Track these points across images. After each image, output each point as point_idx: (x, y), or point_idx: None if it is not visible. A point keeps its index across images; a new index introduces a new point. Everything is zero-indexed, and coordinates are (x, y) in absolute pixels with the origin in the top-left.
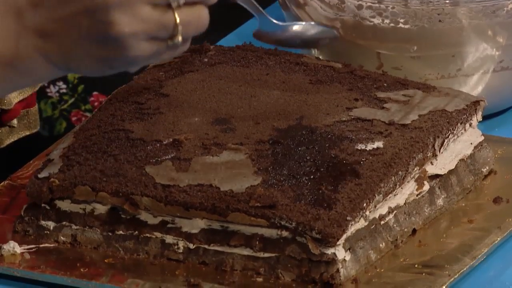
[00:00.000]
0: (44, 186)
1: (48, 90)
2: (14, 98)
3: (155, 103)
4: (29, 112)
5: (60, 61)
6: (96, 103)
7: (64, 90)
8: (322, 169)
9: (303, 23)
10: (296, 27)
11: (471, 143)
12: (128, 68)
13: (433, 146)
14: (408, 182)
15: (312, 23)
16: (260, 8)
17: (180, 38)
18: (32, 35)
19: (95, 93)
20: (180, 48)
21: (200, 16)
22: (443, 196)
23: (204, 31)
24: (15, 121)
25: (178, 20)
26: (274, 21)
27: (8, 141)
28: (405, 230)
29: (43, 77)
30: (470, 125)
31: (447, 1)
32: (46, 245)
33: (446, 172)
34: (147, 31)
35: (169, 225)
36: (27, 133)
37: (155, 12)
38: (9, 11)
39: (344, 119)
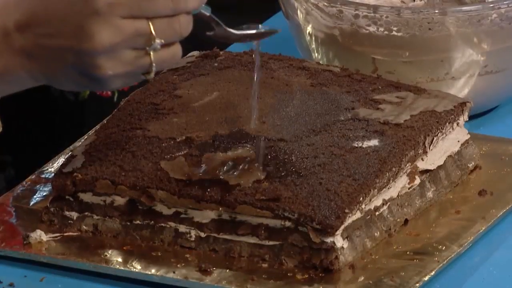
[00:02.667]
0: (68, 180)
1: None
2: None
3: (169, 104)
4: None
5: (43, 79)
6: None
7: None
8: (322, 165)
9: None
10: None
11: (458, 141)
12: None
13: (424, 143)
14: (400, 176)
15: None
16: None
17: (152, 75)
18: (18, 54)
19: None
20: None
21: (174, 55)
22: (432, 189)
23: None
24: None
25: (153, 62)
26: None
27: None
28: (398, 220)
29: (26, 87)
30: (458, 124)
31: (436, 11)
32: (70, 233)
33: (435, 167)
34: (127, 72)
35: (182, 216)
36: None
37: (135, 54)
38: None
39: (342, 119)
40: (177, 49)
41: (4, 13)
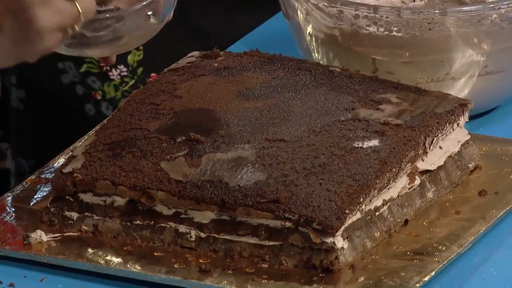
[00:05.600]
0: (68, 180)
1: (110, 73)
2: None
3: (169, 104)
4: None
5: None
6: None
7: (125, 73)
8: (322, 165)
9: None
10: None
11: (459, 141)
12: (32, 59)
13: (424, 144)
14: (401, 177)
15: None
16: None
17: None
18: None
19: (153, 74)
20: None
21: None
22: (432, 190)
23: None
24: None
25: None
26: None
27: None
28: (398, 220)
29: None
30: (458, 125)
31: (436, 11)
32: (70, 234)
33: (435, 168)
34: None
35: (182, 216)
36: None
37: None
38: None
39: (342, 119)
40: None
41: None
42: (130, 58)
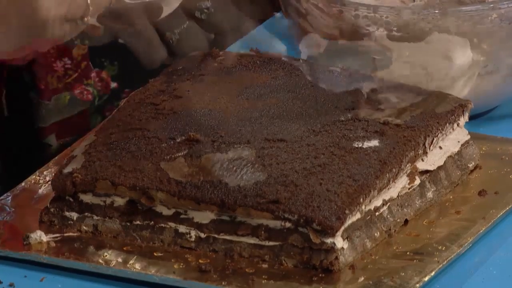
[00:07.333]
0: (68, 181)
1: (54, 65)
2: None
3: (169, 104)
4: None
5: None
6: (96, 79)
7: (69, 66)
8: (322, 165)
9: None
10: None
11: (459, 141)
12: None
13: (424, 144)
14: (401, 177)
15: None
16: None
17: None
18: None
19: (96, 69)
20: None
21: None
22: (432, 190)
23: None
24: None
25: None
26: None
27: None
28: (398, 220)
29: None
30: (458, 125)
31: (436, 11)
32: (70, 234)
33: (435, 168)
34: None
35: (182, 216)
36: None
37: None
38: None
39: (342, 119)
40: None
41: None
42: (75, 51)
